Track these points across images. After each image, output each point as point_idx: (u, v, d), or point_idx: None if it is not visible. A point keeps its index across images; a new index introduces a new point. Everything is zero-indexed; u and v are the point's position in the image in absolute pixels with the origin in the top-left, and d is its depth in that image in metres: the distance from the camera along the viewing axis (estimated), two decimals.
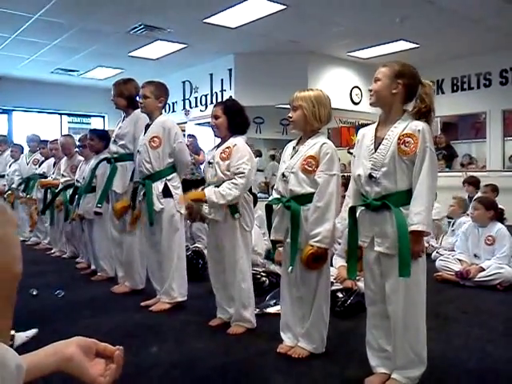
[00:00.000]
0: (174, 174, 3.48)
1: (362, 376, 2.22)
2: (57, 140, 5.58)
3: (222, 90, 8.83)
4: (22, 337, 2.60)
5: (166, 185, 3.41)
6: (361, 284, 3.00)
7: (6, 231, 0.62)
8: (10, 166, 6.72)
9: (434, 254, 5.06)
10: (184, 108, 9.78)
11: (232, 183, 2.83)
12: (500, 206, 4.56)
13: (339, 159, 2.53)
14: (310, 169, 2.43)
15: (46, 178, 5.79)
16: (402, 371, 2.12)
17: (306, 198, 2.44)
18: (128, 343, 2.59)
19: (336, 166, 2.44)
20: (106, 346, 0.82)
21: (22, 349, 0.74)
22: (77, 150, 5.11)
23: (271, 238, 2.64)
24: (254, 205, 3.15)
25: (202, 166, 6.20)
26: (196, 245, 4.80)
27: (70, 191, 4.96)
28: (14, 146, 7.06)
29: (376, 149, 2.11)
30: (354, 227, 2.21)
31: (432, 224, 2.15)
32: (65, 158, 5.30)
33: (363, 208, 2.19)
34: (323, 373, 2.37)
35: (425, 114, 2.10)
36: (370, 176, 2.11)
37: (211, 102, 8.90)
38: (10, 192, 6.51)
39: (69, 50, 7.91)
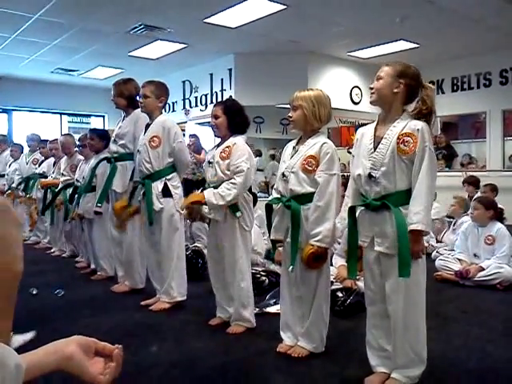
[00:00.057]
0: (174, 174, 3.48)
1: (362, 375, 2.23)
2: (56, 140, 5.58)
3: (222, 90, 8.83)
4: (18, 340, 2.59)
5: (165, 184, 3.42)
6: (360, 283, 3.01)
7: (9, 230, 0.62)
8: (9, 166, 6.73)
9: (433, 253, 5.06)
10: (184, 108, 9.78)
11: (231, 183, 2.83)
12: (500, 206, 4.57)
13: (339, 159, 2.53)
14: (311, 168, 2.44)
15: (45, 177, 5.80)
16: (402, 370, 2.12)
17: (307, 198, 2.44)
18: (128, 342, 2.60)
19: (336, 166, 2.45)
20: (105, 344, 0.83)
21: (22, 348, 0.74)
22: (77, 149, 5.11)
23: (271, 237, 2.64)
24: (254, 204, 3.15)
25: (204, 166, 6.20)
26: (196, 244, 4.81)
27: (70, 190, 4.97)
28: (13, 145, 7.07)
29: (375, 148, 2.12)
30: (353, 227, 2.21)
31: (431, 224, 2.15)
32: (65, 157, 5.30)
33: (363, 208, 2.20)
34: (323, 372, 2.38)
35: (425, 116, 2.11)
36: (370, 176, 2.11)
37: (211, 102, 8.91)
38: (9, 191, 6.51)
39: (69, 49, 7.91)
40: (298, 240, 2.45)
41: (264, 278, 3.89)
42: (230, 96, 7.47)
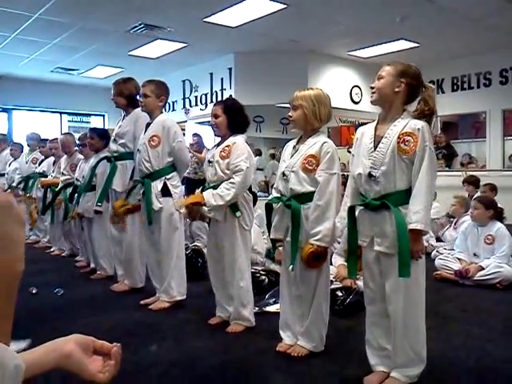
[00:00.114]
0: (174, 173, 3.48)
1: (362, 374, 2.23)
2: (56, 139, 5.58)
3: (221, 89, 8.83)
4: (12, 348, 2.57)
5: (165, 184, 3.41)
6: (360, 283, 3.01)
7: (11, 228, 0.62)
8: (9, 165, 6.73)
9: (433, 252, 5.06)
10: (184, 107, 9.78)
11: (230, 183, 2.83)
12: (499, 206, 4.57)
13: (339, 158, 2.53)
14: (311, 168, 2.44)
15: (45, 176, 5.80)
16: (402, 370, 2.13)
17: (307, 197, 2.44)
18: (127, 341, 2.60)
19: (336, 165, 2.45)
20: (103, 343, 0.83)
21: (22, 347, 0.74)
22: (77, 148, 5.11)
23: (271, 236, 2.64)
24: (254, 204, 3.15)
25: None
26: (195, 243, 4.81)
27: (70, 190, 4.97)
28: (13, 144, 7.06)
29: (375, 147, 2.12)
30: (353, 226, 2.21)
31: (430, 223, 2.15)
32: (65, 156, 5.30)
33: (362, 207, 2.20)
34: (322, 371, 2.38)
35: (427, 116, 2.11)
36: (370, 175, 2.11)
37: (211, 101, 8.91)
38: (9, 190, 6.51)
39: (69, 49, 7.91)
40: (298, 239, 2.45)
41: (264, 277, 3.89)
42: (230, 95, 7.46)
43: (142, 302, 3.52)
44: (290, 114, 2.53)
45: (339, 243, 3.61)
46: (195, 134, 7.60)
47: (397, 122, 2.11)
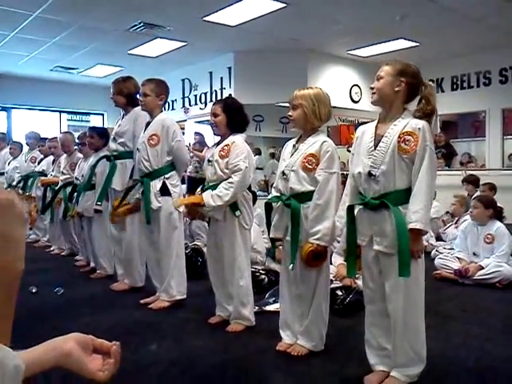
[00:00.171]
0: (173, 172, 3.47)
1: (361, 374, 2.23)
2: (56, 138, 5.58)
3: (221, 88, 8.82)
4: None
5: (164, 183, 3.41)
6: (360, 282, 3.00)
7: (12, 227, 0.62)
8: (9, 164, 6.72)
9: (433, 252, 5.07)
10: (183, 106, 9.77)
11: (228, 182, 2.83)
12: (499, 205, 4.57)
13: (339, 157, 2.53)
14: (311, 167, 2.44)
15: (45, 175, 5.79)
16: (402, 369, 2.13)
17: (306, 196, 2.44)
18: (127, 340, 2.60)
19: (336, 164, 2.45)
20: (102, 341, 0.83)
21: (22, 346, 0.74)
22: (76, 147, 5.11)
23: (270, 235, 2.64)
24: (254, 203, 3.15)
25: None
26: (195, 243, 4.80)
27: (70, 189, 4.96)
28: (13, 143, 7.05)
29: (376, 146, 2.12)
30: (351, 226, 2.21)
31: (430, 223, 2.15)
32: (64, 155, 5.30)
33: (361, 207, 2.20)
34: (322, 371, 2.38)
35: (428, 115, 2.10)
36: (370, 174, 2.11)
37: (210, 100, 8.90)
38: (9, 189, 6.51)
39: (68, 47, 7.90)
40: (297, 238, 2.45)
41: (263, 276, 3.90)
42: (230, 94, 7.46)
43: (141, 301, 3.52)
44: (289, 113, 2.53)
45: (339, 242, 3.61)
46: (197, 133, 7.58)
47: (397, 121, 2.10)
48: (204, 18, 6.51)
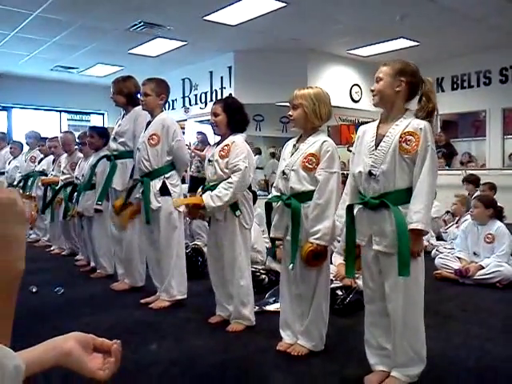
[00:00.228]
0: (173, 172, 3.47)
1: (362, 374, 2.23)
2: (56, 137, 5.58)
3: (221, 88, 8.82)
4: None
5: (164, 183, 3.41)
6: (360, 282, 3.00)
7: (12, 226, 0.61)
8: (9, 163, 6.72)
9: (433, 251, 5.06)
10: (184, 105, 9.77)
11: (228, 182, 2.83)
12: (499, 204, 4.57)
13: (339, 157, 2.53)
14: (311, 166, 2.44)
15: (45, 175, 5.79)
16: (402, 369, 2.12)
17: (307, 196, 2.44)
18: (128, 340, 2.60)
19: (336, 164, 2.45)
20: (103, 340, 0.83)
21: (22, 346, 0.74)
22: (76, 147, 5.11)
23: (271, 235, 2.64)
24: (254, 202, 3.15)
25: None
26: (195, 242, 4.80)
27: (70, 188, 4.96)
28: (13, 142, 7.05)
29: (377, 146, 2.11)
30: (351, 225, 2.21)
31: (430, 223, 2.15)
32: (65, 154, 5.30)
33: (361, 206, 2.19)
34: (322, 370, 2.38)
35: (429, 114, 2.10)
36: (370, 173, 2.11)
37: (211, 100, 8.89)
38: (10, 188, 6.50)
39: (68, 47, 7.89)
40: (298, 238, 2.45)
41: (264, 276, 3.90)
42: (230, 94, 7.45)
43: (142, 301, 3.52)
44: (290, 113, 2.53)
45: (339, 242, 3.61)
46: (200, 132, 7.57)
47: (399, 121, 2.10)
48: (204, 18, 6.51)
